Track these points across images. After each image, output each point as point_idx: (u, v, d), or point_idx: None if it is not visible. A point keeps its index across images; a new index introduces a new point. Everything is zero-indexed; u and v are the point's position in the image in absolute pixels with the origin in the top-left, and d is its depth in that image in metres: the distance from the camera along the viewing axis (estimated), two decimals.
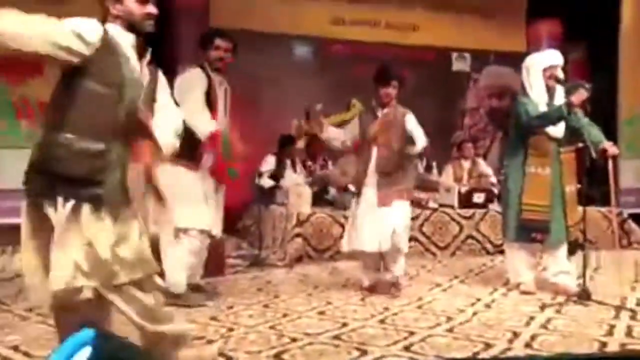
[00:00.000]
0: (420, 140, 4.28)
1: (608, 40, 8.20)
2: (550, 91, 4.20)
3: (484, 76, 9.18)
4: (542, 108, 4.14)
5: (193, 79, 3.82)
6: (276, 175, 6.39)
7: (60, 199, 2.14)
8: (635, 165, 8.20)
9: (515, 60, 9.13)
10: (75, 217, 2.15)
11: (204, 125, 3.69)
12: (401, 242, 4.28)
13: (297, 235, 5.67)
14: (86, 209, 2.16)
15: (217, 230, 4.04)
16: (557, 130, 4.14)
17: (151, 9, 2.32)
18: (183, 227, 3.78)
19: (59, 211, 2.14)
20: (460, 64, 9.10)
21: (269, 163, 6.44)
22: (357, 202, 4.42)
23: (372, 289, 4.39)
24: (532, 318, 3.62)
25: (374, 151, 4.35)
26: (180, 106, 3.20)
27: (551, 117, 4.09)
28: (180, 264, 3.79)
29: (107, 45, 2.21)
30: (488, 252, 6.25)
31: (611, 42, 8.25)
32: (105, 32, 2.23)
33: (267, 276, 5.04)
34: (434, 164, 7.50)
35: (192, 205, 3.77)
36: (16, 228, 6.65)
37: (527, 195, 4.19)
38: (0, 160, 6.14)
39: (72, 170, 2.13)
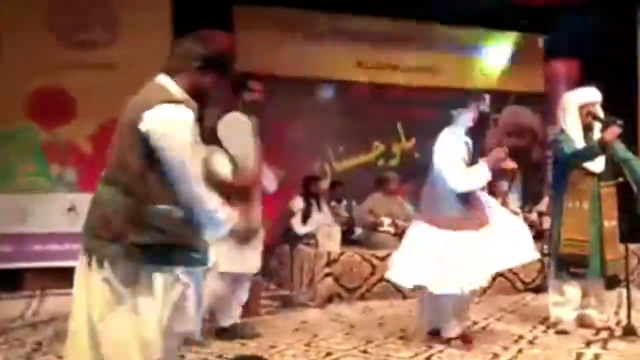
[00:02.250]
0: None
1: (626, 81, 8.27)
2: (588, 128, 4.22)
3: (503, 115, 9.22)
4: (579, 145, 4.17)
5: (241, 123, 3.90)
6: (304, 215, 6.40)
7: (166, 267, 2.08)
8: None
9: (534, 100, 9.36)
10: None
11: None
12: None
13: (327, 274, 5.65)
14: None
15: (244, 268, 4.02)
16: (596, 165, 4.15)
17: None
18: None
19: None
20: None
21: (298, 203, 6.46)
22: None
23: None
24: (580, 355, 3.57)
25: None
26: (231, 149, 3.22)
27: (585, 154, 4.13)
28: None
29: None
30: (518, 290, 6.18)
31: (629, 82, 8.31)
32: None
33: (301, 316, 5.01)
34: None
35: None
36: (44, 271, 6.71)
37: (566, 229, 4.17)
38: (30, 204, 6.18)
39: (182, 238, 2.11)
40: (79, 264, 2.15)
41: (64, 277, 6.56)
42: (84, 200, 6.22)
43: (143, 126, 2.03)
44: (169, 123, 2.04)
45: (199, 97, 2.21)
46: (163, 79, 2.18)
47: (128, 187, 2.06)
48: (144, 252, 2.03)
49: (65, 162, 6.39)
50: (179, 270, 2.09)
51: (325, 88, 8.32)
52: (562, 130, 4.28)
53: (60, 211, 6.20)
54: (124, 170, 2.08)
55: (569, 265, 4.19)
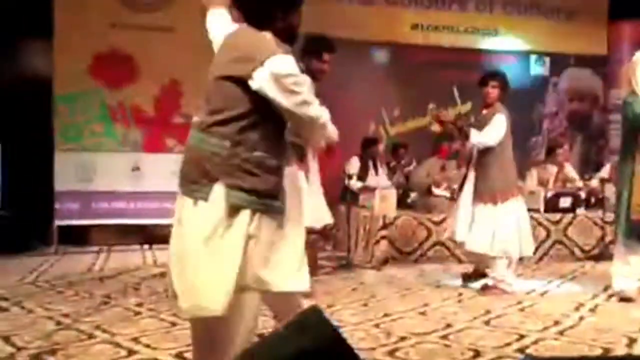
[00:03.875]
0: (476, 137, 4.38)
1: None
2: None
3: (563, 79, 8.98)
4: None
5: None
6: (361, 177, 6.42)
7: (248, 211, 2.16)
8: None
9: (595, 63, 9.03)
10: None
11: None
12: (482, 245, 4.36)
13: (383, 237, 5.69)
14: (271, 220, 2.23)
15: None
16: None
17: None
18: None
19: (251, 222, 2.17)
20: (539, 68, 8.93)
21: (355, 164, 6.48)
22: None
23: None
24: None
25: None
26: None
27: None
28: None
29: None
30: (577, 258, 6.10)
31: None
32: None
33: (358, 277, 5.07)
34: None
35: None
36: (110, 228, 6.99)
37: (636, 195, 4.06)
38: (96, 163, 6.40)
39: (263, 185, 2.19)
40: (177, 205, 2.24)
41: (128, 234, 6.91)
42: (147, 161, 6.54)
43: (262, 74, 2.09)
44: (292, 66, 2.14)
45: None
46: (257, 32, 2.22)
47: (230, 135, 2.15)
48: (243, 194, 2.13)
49: (130, 123, 6.58)
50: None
51: (380, 51, 8.22)
52: (633, 92, 4.12)
53: (125, 171, 6.41)
54: (227, 119, 2.16)
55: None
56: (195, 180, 2.18)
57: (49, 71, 6.35)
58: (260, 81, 2.09)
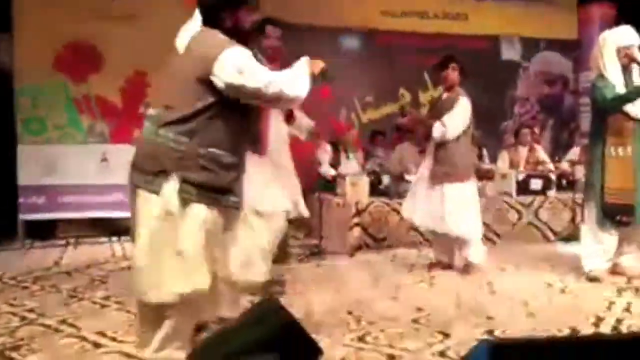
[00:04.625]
0: (438, 129, 4.37)
1: None
2: (627, 71, 4.08)
3: (534, 63, 9.02)
4: (619, 89, 4.02)
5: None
6: (333, 164, 6.38)
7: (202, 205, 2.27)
8: None
9: (566, 47, 9.09)
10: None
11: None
12: (452, 226, 4.34)
13: (356, 224, 5.67)
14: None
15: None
16: (638, 109, 4.01)
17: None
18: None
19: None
20: (510, 52, 8.95)
21: (327, 151, 6.43)
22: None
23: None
24: (612, 303, 3.55)
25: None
26: None
27: (629, 97, 3.99)
28: None
29: None
30: (548, 240, 6.14)
31: None
32: None
33: (330, 264, 5.05)
34: (485, 151, 7.42)
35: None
36: (78, 221, 6.86)
37: (611, 178, 4.05)
38: (62, 156, 6.26)
39: (217, 180, 2.29)
40: (129, 197, 2.35)
41: (96, 227, 6.78)
42: (115, 152, 6.43)
43: (218, 68, 2.21)
44: (246, 58, 2.28)
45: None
46: (209, 30, 2.35)
47: (186, 131, 2.24)
48: (194, 189, 2.23)
49: (96, 114, 6.47)
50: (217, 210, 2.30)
51: (350, 37, 8.17)
52: (601, 75, 4.13)
53: (93, 163, 6.29)
54: (184, 116, 2.25)
55: (615, 215, 4.10)
56: (148, 172, 2.25)
57: (9, 64, 6.20)
58: (220, 75, 2.21)
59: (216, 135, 2.26)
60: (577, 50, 8.95)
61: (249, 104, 2.35)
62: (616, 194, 4.05)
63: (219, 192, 2.28)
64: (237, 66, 2.21)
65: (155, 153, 2.26)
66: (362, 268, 4.88)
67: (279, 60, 3.96)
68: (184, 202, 2.21)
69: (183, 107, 2.26)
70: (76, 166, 6.25)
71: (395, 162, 6.38)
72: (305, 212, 4.10)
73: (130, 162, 2.35)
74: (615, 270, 4.26)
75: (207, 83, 2.23)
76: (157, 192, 2.23)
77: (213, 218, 2.26)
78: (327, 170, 6.15)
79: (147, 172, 2.26)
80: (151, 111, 2.40)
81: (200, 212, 2.23)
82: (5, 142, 6.09)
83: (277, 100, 2.36)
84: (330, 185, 6.12)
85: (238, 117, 2.35)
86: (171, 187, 2.21)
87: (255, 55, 2.39)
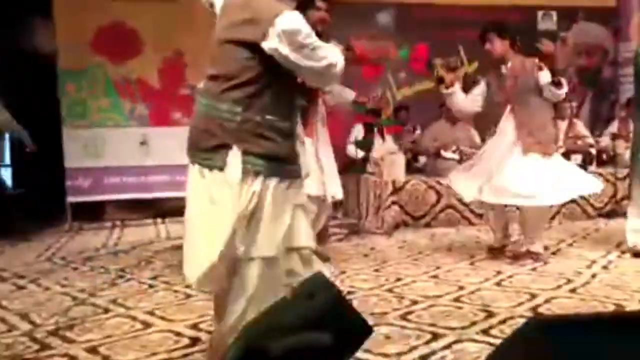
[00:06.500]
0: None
1: None
2: None
3: (572, 34, 8.81)
4: None
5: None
6: (366, 145, 6.36)
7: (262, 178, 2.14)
8: None
9: (604, 16, 8.83)
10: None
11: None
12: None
13: (393, 203, 5.69)
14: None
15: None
16: None
17: None
18: None
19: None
20: (546, 23, 8.75)
21: (359, 132, 6.43)
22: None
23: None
24: None
25: None
26: None
27: None
28: None
29: None
30: (589, 216, 6.07)
31: None
32: None
33: (369, 243, 5.09)
34: None
35: None
36: (122, 203, 7.02)
37: None
38: (105, 138, 6.41)
39: (279, 149, 2.16)
40: (189, 174, 2.22)
41: (140, 208, 6.93)
42: (154, 134, 6.52)
43: (274, 33, 2.06)
44: (301, 21, 2.12)
45: None
46: None
47: (241, 100, 2.11)
48: (256, 160, 2.10)
49: (136, 97, 6.55)
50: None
51: (384, 11, 8.09)
52: None
53: (133, 145, 6.41)
54: (237, 84, 2.12)
55: None
56: (207, 149, 2.14)
57: (52, 48, 6.30)
58: (273, 41, 2.06)
59: (270, 102, 2.12)
60: (616, 19, 8.70)
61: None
62: None
63: (282, 161, 2.15)
64: (295, 38, 2.07)
65: (210, 127, 2.13)
66: (400, 247, 4.91)
67: (323, 36, 3.97)
68: (249, 175, 2.09)
69: (233, 75, 2.12)
70: (118, 149, 6.39)
71: (430, 140, 6.34)
72: (340, 195, 4.13)
73: (187, 140, 2.23)
74: None
75: (257, 48, 2.09)
76: (218, 168, 2.11)
77: (282, 189, 2.14)
78: (356, 152, 6.10)
79: (205, 148, 2.14)
80: (201, 84, 2.28)
81: (270, 184, 2.11)
82: (52, 126, 6.24)
83: (325, 83, 2.29)
84: (358, 168, 6.09)
85: (290, 84, 2.23)
86: (234, 160, 2.09)
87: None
